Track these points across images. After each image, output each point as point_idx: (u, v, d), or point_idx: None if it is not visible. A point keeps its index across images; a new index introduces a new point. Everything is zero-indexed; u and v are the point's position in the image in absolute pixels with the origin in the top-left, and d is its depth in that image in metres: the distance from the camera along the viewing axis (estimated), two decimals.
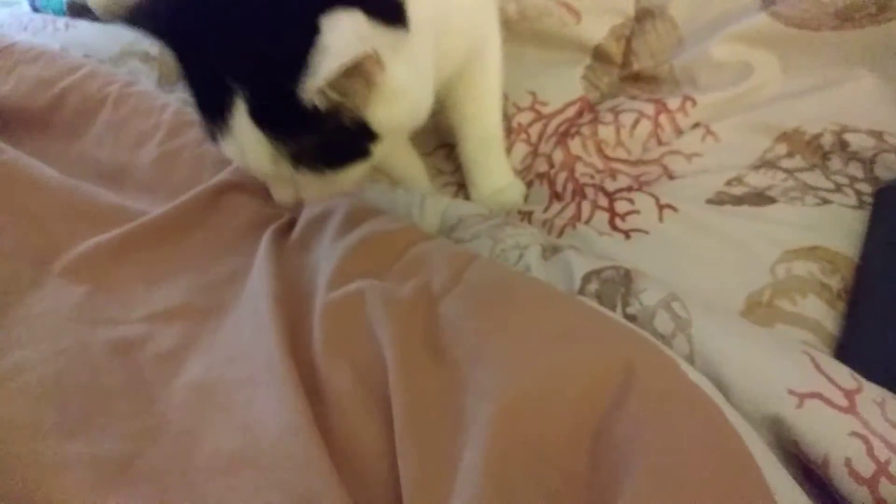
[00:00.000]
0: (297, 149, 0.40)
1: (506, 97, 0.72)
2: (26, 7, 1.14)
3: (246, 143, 0.40)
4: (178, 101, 0.73)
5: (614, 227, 0.59)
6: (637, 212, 0.59)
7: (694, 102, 0.65)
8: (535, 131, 0.71)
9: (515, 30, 0.77)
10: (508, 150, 0.71)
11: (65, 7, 1.05)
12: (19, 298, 0.52)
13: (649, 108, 0.66)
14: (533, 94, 0.74)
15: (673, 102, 0.65)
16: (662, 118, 0.65)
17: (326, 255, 0.50)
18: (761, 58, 0.65)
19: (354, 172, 0.44)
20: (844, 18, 0.61)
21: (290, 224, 0.59)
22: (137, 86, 0.73)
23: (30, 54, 0.78)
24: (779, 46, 0.64)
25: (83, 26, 1.00)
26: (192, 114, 0.70)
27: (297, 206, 0.60)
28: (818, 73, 0.63)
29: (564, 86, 0.74)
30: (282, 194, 0.45)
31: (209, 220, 0.58)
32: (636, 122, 0.66)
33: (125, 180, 0.66)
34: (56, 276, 0.55)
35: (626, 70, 0.73)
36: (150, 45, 0.95)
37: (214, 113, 0.41)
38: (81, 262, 0.56)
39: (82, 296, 0.53)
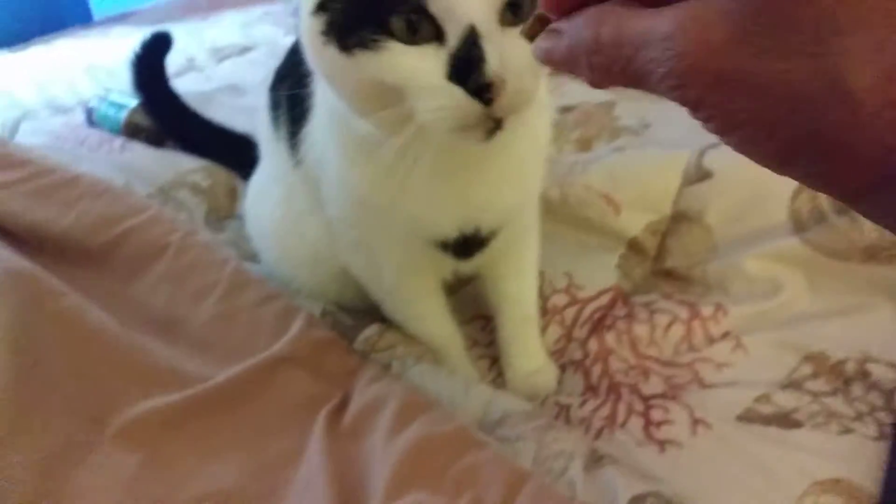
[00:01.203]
0: None
1: (542, 276, 0.77)
2: (81, 117, 1.19)
3: None
4: (233, 253, 0.77)
5: (649, 436, 0.61)
6: (671, 422, 0.62)
7: (725, 312, 0.69)
8: (569, 315, 0.75)
9: (556, 212, 0.82)
10: (543, 330, 0.75)
11: (121, 126, 1.10)
12: (74, 466, 0.54)
13: (683, 312, 0.70)
14: (569, 275, 0.79)
15: (706, 310, 0.70)
16: (695, 324, 0.69)
17: (381, 458, 0.53)
18: (791, 276, 0.69)
19: None
20: (871, 255, 0.66)
21: (342, 404, 0.61)
22: (199, 236, 0.77)
23: (95, 189, 0.82)
24: (808, 269, 0.69)
25: (138, 150, 1.05)
26: (250, 272, 0.73)
27: (350, 379, 0.63)
28: (845, 299, 0.67)
29: (599, 272, 0.78)
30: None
31: (263, 394, 0.60)
32: (670, 324, 0.70)
33: (179, 334, 0.69)
34: (110, 439, 0.57)
35: (659, 265, 0.78)
36: (202, 176, 1.00)
37: None
38: (136, 427, 0.58)
39: (135, 467, 0.55)
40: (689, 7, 0.19)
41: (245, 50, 1.42)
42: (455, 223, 0.57)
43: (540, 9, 0.25)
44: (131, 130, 1.10)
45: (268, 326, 0.67)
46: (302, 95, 0.60)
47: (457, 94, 0.40)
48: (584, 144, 0.94)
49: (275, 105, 0.68)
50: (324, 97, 0.57)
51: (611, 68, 0.22)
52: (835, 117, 0.18)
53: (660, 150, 0.85)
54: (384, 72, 0.42)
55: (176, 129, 1.04)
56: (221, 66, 1.37)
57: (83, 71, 1.38)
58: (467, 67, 0.40)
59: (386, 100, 0.43)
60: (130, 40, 1.50)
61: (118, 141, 1.07)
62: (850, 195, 0.20)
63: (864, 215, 0.21)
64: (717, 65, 0.19)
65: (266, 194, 0.75)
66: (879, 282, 0.67)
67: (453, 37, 0.40)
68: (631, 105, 1.06)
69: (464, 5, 0.39)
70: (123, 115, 1.10)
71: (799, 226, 0.71)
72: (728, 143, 0.21)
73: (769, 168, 0.21)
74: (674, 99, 0.21)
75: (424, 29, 0.41)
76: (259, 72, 1.32)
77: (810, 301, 0.69)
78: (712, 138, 0.81)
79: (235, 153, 0.99)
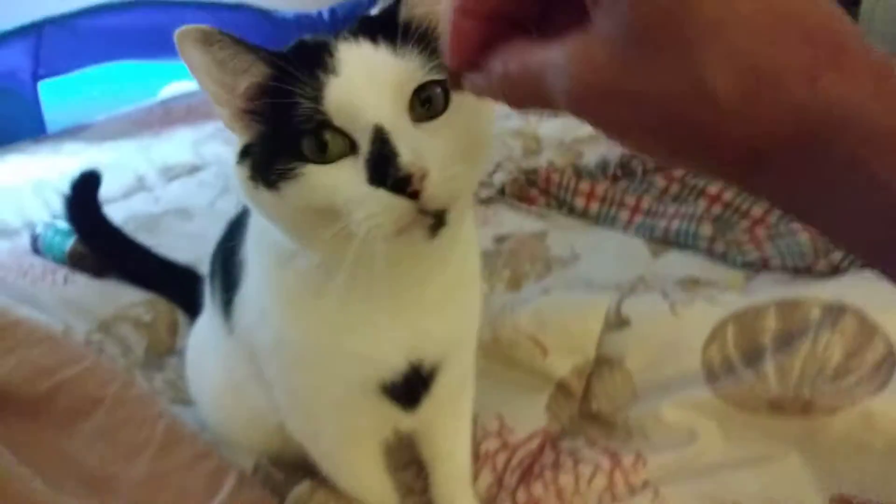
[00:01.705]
0: None
1: (475, 419, 0.79)
2: (26, 240, 1.20)
3: None
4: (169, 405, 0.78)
5: None
6: None
7: (645, 462, 0.72)
8: (500, 461, 0.77)
9: (489, 352, 0.86)
10: (475, 476, 0.76)
11: (66, 256, 1.11)
12: None
13: (605, 462, 0.73)
14: (500, 417, 0.81)
15: (627, 459, 0.73)
16: (617, 474, 0.72)
17: None
18: (705, 425, 0.73)
19: None
20: (777, 407, 0.71)
21: None
22: (134, 388, 0.78)
23: (33, 337, 0.83)
24: (721, 419, 0.73)
25: (81, 283, 1.06)
26: (184, 427, 0.74)
27: None
28: (756, 449, 0.71)
29: (530, 413, 0.81)
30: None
31: None
32: (593, 475, 0.73)
33: (110, 494, 0.69)
34: None
35: (585, 407, 0.81)
36: (144, 310, 1.01)
37: None
38: None
39: None
40: (577, 39, 0.24)
41: (195, 169, 1.45)
42: (400, 353, 0.56)
43: (450, 66, 0.29)
44: (76, 258, 1.11)
45: (199, 488, 0.67)
46: (235, 263, 0.62)
47: (382, 197, 0.40)
48: (515, 283, 0.98)
49: (212, 274, 0.70)
50: (257, 252, 0.58)
51: (522, 95, 0.27)
52: (704, 117, 0.22)
53: (583, 294, 0.90)
54: (309, 196, 0.42)
55: (117, 262, 1.06)
56: (170, 187, 1.39)
57: (31, 191, 1.40)
58: (383, 166, 0.39)
59: (325, 222, 0.42)
60: (81, 158, 1.54)
61: (62, 272, 1.08)
62: (735, 178, 0.24)
63: (759, 195, 0.25)
64: (603, 85, 0.23)
65: (205, 353, 0.76)
66: (786, 433, 0.71)
67: (364, 142, 0.41)
68: (561, 235, 1.12)
69: (366, 110, 0.40)
70: (68, 245, 1.11)
71: (711, 375, 0.75)
72: (625, 147, 0.26)
73: (665, 163, 0.25)
74: (575, 115, 0.25)
75: (335, 144, 0.41)
76: (208, 194, 1.36)
77: (724, 451, 0.72)
78: (633, 282, 0.86)
79: (178, 286, 1.01)
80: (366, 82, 0.41)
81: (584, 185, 1.18)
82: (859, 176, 0.21)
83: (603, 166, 1.26)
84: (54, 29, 1.67)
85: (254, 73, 0.43)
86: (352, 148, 0.42)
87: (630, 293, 0.86)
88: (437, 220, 0.41)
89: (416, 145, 0.40)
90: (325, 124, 0.41)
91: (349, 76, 0.41)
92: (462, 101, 0.43)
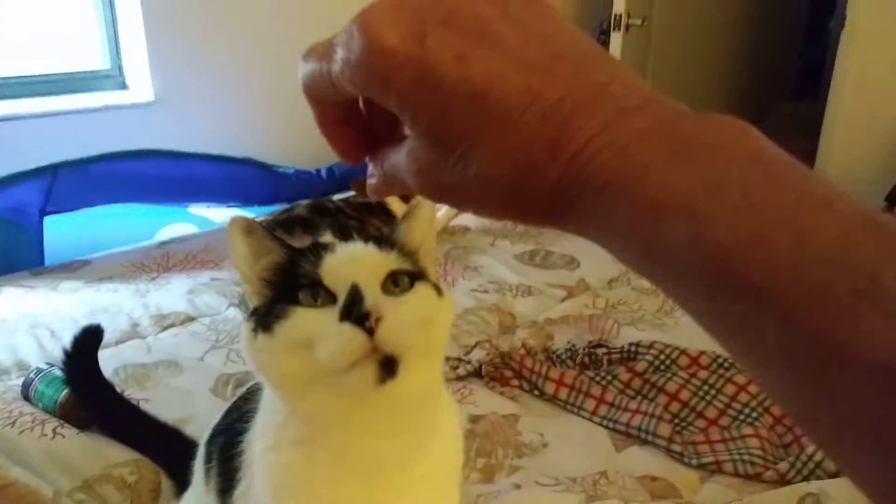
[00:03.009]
0: None
1: None
2: (16, 383, 1.24)
3: None
4: None
5: None
6: None
7: None
8: None
9: None
10: None
11: (55, 407, 1.15)
12: None
13: None
14: None
15: None
16: None
17: None
18: None
19: None
20: None
21: None
22: None
23: (22, 502, 0.86)
24: None
25: (69, 437, 1.09)
26: None
27: None
28: None
29: None
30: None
31: None
32: None
33: None
34: None
35: None
36: (130, 471, 1.04)
37: None
38: None
39: None
40: (405, 145, 0.31)
41: (188, 320, 1.52)
42: None
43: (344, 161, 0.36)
44: (66, 411, 1.15)
45: None
46: (234, 456, 0.68)
47: (346, 329, 0.51)
48: (488, 474, 1.04)
49: (208, 458, 0.75)
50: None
51: (397, 188, 0.34)
52: (497, 197, 0.29)
53: (552, 492, 0.96)
54: (296, 329, 0.54)
55: (107, 420, 1.09)
56: (163, 336, 1.45)
57: (26, 329, 1.44)
58: (351, 306, 0.52)
59: (301, 356, 0.53)
60: (78, 297, 1.60)
61: (50, 424, 1.11)
62: (549, 226, 0.29)
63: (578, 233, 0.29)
64: (428, 178, 0.31)
65: None
66: None
67: (342, 295, 0.53)
68: (533, 421, 1.20)
69: (349, 275, 0.54)
70: (60, 396, 1.15)
71: None
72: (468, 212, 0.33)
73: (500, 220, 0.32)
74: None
75: (322, 297, 0.54)
76: (199, 346, 1.42)
77: None
78: (596, 479, 0.93)
79: (165, 449, 1.05)
80: (352, 261, 0.56)
81: (555, 373, 1.27)
82: (610, 222, 0.26)
83: (572, 353, 1.36)
84: (69, 171, 1.77)
85: (275, 254, 0.58)
86: (333, 301, 0.54)
87: (593, 497, 0.93)
88: (387, 366, 0.52)
89: (378, 301, 0.53)
90: (318, 283, 0.55)
91: (341, 255, 0.57)
92: (425, 292, 0.57)
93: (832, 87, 2.97)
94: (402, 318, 0.53)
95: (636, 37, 2.76)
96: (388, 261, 0.57)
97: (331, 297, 0.54)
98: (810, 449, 1.06)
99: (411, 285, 0.57)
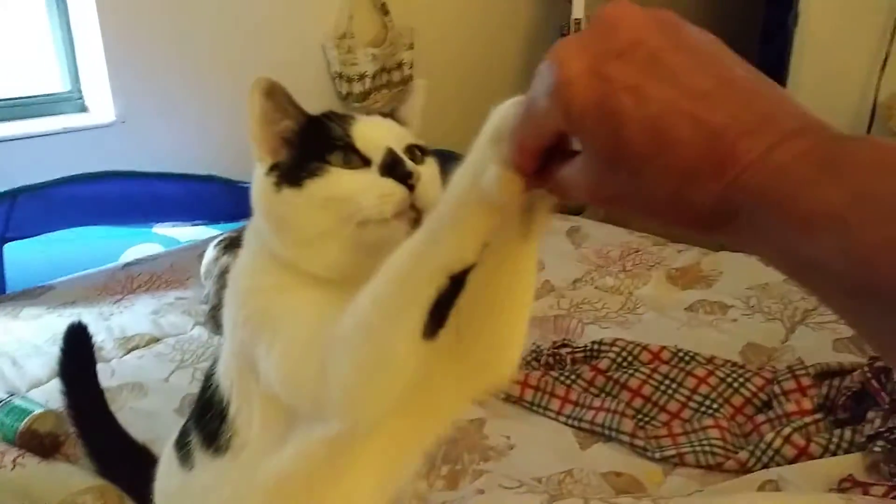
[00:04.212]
0: None
1: None
2: None
3: None
4: None
5: None
6: None
7: None
8: None
9: None
10: None
11: (16, 437, 1.14)
12: None
13: None
14: None
15: None
16: None
17: None
18: None
19: None
20: None
21: None
22: None
23: None
24: None
25: (30, 467, 1.08)
26: None
27: None
28: None
29: None
30: None
31: None
32: None
33: None
34: None
35: None
36: (92, 498, 1.03)
37: None
38: None
39: None
40: (579, 160, 0.35)
41: (153, 341, 1.51)
42: None
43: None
44: (27, 438, 1.14)
45: None
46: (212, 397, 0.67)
47: (389, 183, 0.55)
48: (452, 481, 1.05)
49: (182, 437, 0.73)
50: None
51: (563, 194, 0.38)
52: (658, 207, 0.32)
53: (515, 496, 0.97)
54: (332, 187, 0.56)
55: (86, 432, 1.05)
56: (127, 359, 1.44)
57: None
58: (393, 165, 0.56)
59: (334, 210, 0.55)
60: (40, 323, 1.59)
61: (10, 455, 1.10)
62: (701, 234, 0.32)
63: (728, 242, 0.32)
64: (595, 189, 0.35)
65: None
66: None
67: (377, 157, 0.57)
68: (499, 423, 1.21)
69: (381, 139, 0.58)
70: (21, 425, 1.14)
71: None
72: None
73: (654, 222, 0.34)
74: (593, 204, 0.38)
75: (354, 160, 0.57)
76: (164, 368, 1.41)
77: None
78: (561, 478, 0.94)
79: (134, 468, 1.02)
80: (381, 127, 0.61)
81: (519, 374, 1.28)
82: (766, 235, 0.29)
83: (537, 354, 1.38)
84: (28, 196, 1.75)
85: (294, 119, 0.61)
86: (366, 164, 0.57)
87: (556, 497, 0.94)
88: (417, 219, 0.55)
89: (412, 163, 0.57)
90: (350, 146, 0.58)
91: (370, 121, 0.61)
92: (435, 165, 0.61)
93: (789, 79, 3.03)
94: (430, 181, 0.57)
95: None
96: (406, 134, 0.62)
97: (362, 161, 0.57)
98: (769, 437, 1.08)
99: (423, 159, 0.61)
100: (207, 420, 0.67)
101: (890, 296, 0.25)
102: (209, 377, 0.68)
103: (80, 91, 2.32)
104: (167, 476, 0.78)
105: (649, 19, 0.33)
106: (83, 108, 2.33)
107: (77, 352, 1.06)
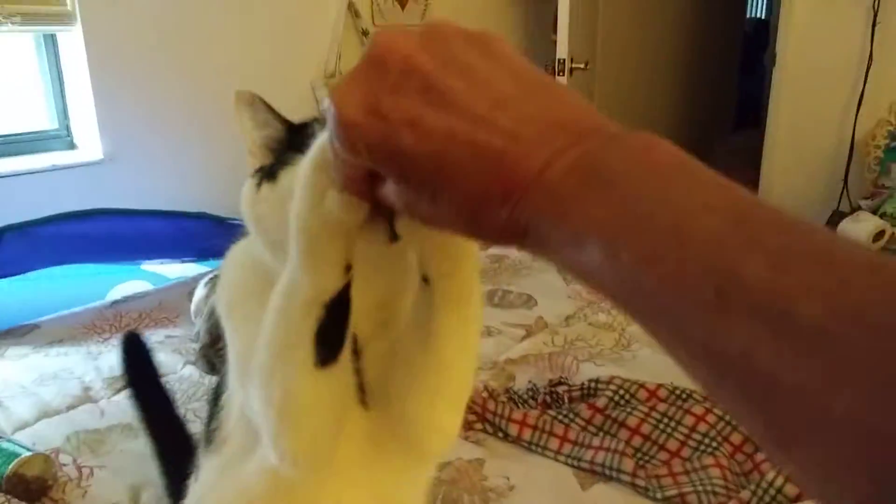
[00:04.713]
0: None
1: None
2: None
3: None
4: None
5: None
6: None
7: None
8: None
9: None
10: None
11: (2, 480, 1.10)
12: None
13: None
14: None
15: None
16: None
17: None
18: None
19: None
20: None
21: None
22: None
23: None
24: None
25: None
26: None
27: None
28: None
29: None
30: None
31: None
32: None
33: None
34: None
35: None
36: None
37: None
38: None
39: None
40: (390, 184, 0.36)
41: None
42: None
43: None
44: (14, 483, 1.10)
45: None
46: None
47: None
48: None
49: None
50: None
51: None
52: (460, 229, 0.34)
53: None
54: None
55: (157, 435, 1.03)
56: (117, 399, 1.41)
57: None
58: None
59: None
60: (26, 364, 1.55)
61: None
62: (503, 245, 0.34)
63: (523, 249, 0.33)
64: (409, 209, 0.36)
65: None
66: None
67: None
68: (498, 464, 1.19)
69: None
70: (7, 469, 1.11)
71: None
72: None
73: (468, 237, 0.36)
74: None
75: None
76: None
77: None
78: None
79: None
80: None
81: (518, 414, 1.27)
82: (551, 248, 0.31)
83: (534, 393, 1.37)
84: (14, 235, 1.73)
85: (274, 127, 0.60)
86: None
87: None
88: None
89: None
90: None
91: None
92: None
93: (769, 119, 3.11)
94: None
95: (580, 80, 2.85)
96: None
97: None
98: (770, 475, 1.08)
99: None
100: (208, 417, 0.67)
101: (657, 300, 0.26)
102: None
103: (68, 129, 2.32)
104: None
105: (416, 43, 0.33)
106: (72, 146, 2.32)
107: (137, 358, 1.03)
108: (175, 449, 1.00)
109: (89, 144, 2.28)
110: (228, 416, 0.63)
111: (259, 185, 0.58)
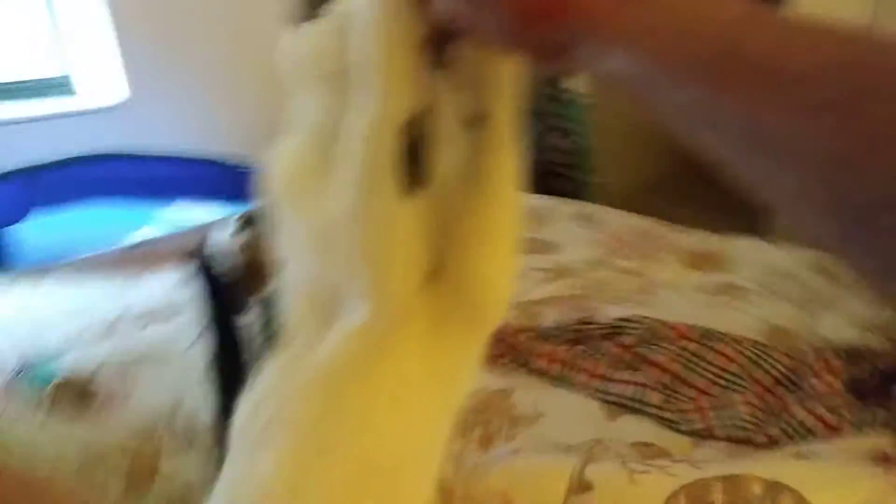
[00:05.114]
0: None
1: None
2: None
3: None
4: None
5: None
6: None
7: None
8: None
9: None
10: None
11: (43, 397, 1.13)
12: None
13: None
14: None
15: None
16: None
17: None
18: None
19: None
20: None
21: None
22: None
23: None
24: None
25: (60, 425, 1.07)
26: None
27: None
28: None
29: None
30: None
31: None
32: None
33: None
34: None
35: None
36: (123, 455, 1.03)
37: None
38: None
39: None
40: None
41: (168, 316, 1.50)
42: None
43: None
44: (61, 390, 1.13)
45: None
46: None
47: None
48: (486, 442, 1.05)
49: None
50: None
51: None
52: (513, 35, 0.37)
53: (549, 456, 0.97)
54: None
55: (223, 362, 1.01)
56: (144, 333, 1.43)
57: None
58: None
59: None
60: (51, 300, 1.57)
61: (39, 415, 1.09)
62: (553, 63, 0.37)
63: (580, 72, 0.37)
64: (461, 19, 0.40)
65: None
66: None
67: None
68: (525, 393, 1.20)
69: None
70: (49, 388, 1.13)
71: None
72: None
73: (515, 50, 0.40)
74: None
75: None
76: (183, 340, 1.40)
77: None
78: (591, 445, 0.94)
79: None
80: None
81: (546, 348, 1.28)
82: (589, 59, 0.34)
83: (561, 330, 1.37)
84: (21, 179, 1.74)
85: None
86: None
87: (591, 459, 0.93)
88: None
89: None
90: None
91: None
92: None
93: None
94: None
95: None
96: None
97: None
98: (800, 414, 1.09)
99: None
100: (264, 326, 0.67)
101: (679, 81, 0.31)
102: None
103: (72, 75, 2.31)
104: None
105: None
106: (73, 92, 2.30)
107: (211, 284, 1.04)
108: (234, 369, 0.98)
109: (96, 90, 2.26)
110: (291, 317, 0.63)
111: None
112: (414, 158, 0.48)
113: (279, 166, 0.61)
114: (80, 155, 1.81)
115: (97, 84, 2.26)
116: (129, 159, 1.92)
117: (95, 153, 1.86)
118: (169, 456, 1.06)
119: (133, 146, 1.96)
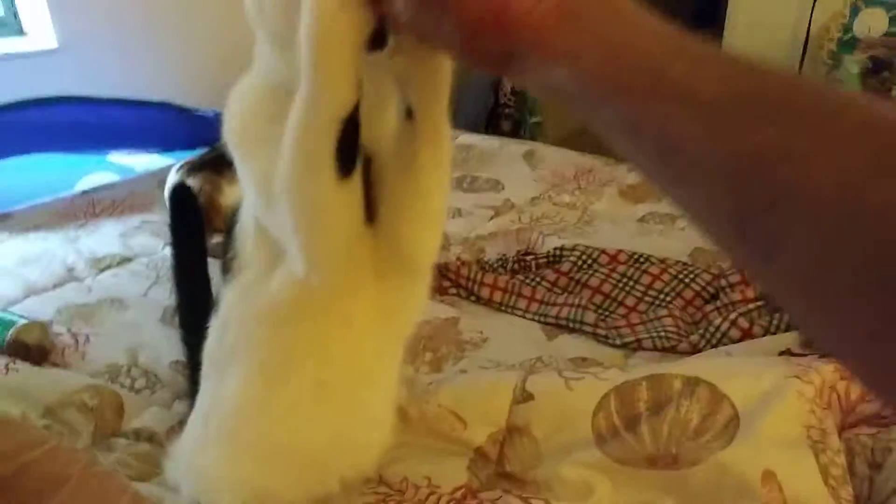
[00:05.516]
0: None
1: (405, 481, 0.92)
2: None
3: None
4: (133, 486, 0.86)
5: None
6: None
7: None
8: (431, 501, 0.90)
9: (416, 427, 0.99)
10: None
11: (4, 344, 1.15)
12: None
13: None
14: (428, 478, 0.94)
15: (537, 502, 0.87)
16: None
17: None
18: (600, 480, 0.90)
19: None
20: (652, 462, 0.89)
21: None
22: (97, 466, 0.85)
23: None
24: (611, 474, 0.90)
25: (24, 371, 1.10)
26: (146, 500, 0.82)
27: None
28: (639, 496, 0.88)
29: (453, 474, 0.94)
30: None
31: None
32: None
33: None
34: None
35: (500, 468, 0.96)
36: (89, 396, 1.07)
37: None
38: None
39: None
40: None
41: (125, 260, 1.52)
42: None
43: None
44: (15, 348, 1.16)
45: None
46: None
47: None
48: (436, 365, 1.13)
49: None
50: None
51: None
52: (461, 50, 0.43)
53: (495, 373, 1.06)
54: None
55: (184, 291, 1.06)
56: (101, 277, 1.46)
57: None
58: None
59: None
60: (6, 247, 1.57)
61: (3, 362, 1.12)
62: (499, 73, 0.42)
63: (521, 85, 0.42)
64: (415, 27, 0.45)
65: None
66: (661, 483, 0.88)
67: None
68: (471, 321, 1.29)
69: None
70: (8, 335, 1.16)
71: (600, 439, 0.92)
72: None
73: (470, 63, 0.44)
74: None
75: None
76: (140, 284, 1.43)
77: (615, 500, 0.89)
78: (533, 362, 1.05)
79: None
80: None
81: (489, 278, 1.37)
82: (531, 71, 0.39)
83: (503, 262, 1.46)
84: None
85: None
86: None
87: (532, 372, 1.03)
88: None
89: None
90: None
91: None
92: None
93: (727, 17, 3.15)
94: None
95: None
96: None
97: None
98: (717, 321, 1.20)
99: None
100: (223, 249, 0.73)
101: (606, 96, 0.36)
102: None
103: (16, 15, 2.23)
104: None
105: None
106: (21, 32, 2.24)
107: (186, 208, 1.06)
108: (199, 303, 0.99)
109: (41, 32, 2.20)
110: (244, 245, 0.69)
111: None
112: (351, 142, 0.54)
113: (236, 107, 0.65)
114: (27, 99, 1.77)
115: (42, 25, 2.19)
116: (79, 102, 1.88)
117: (43, 97, 1.81)
118: (132, 399, 1.10)
119: (81, 90, 1.91)
